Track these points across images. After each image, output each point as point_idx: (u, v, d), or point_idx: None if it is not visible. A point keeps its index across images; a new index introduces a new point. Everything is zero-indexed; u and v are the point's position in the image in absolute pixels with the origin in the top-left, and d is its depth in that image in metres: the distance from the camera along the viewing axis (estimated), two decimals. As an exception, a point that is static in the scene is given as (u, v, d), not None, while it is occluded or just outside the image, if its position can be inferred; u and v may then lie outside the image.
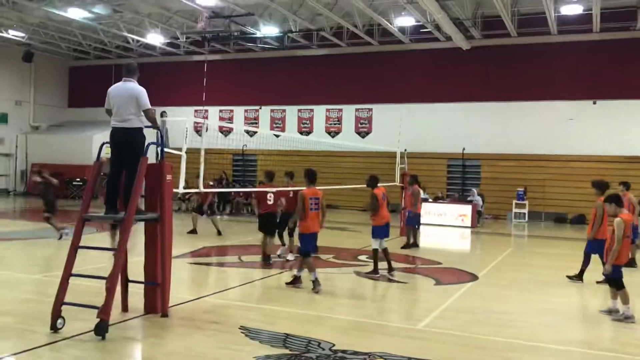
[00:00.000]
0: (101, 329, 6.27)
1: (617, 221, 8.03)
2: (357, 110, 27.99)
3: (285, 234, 12.39)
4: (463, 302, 8.87)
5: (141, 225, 7.91)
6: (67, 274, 6.72)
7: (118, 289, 6.92)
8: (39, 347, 6.07)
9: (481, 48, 25.13)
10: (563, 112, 24.08)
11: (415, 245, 14.92)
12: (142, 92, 7.26)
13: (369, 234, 11.09)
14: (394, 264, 11.04)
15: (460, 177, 26.14)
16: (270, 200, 11.74)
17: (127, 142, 7.22)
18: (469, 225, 20.48)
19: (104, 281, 6.67)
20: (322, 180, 16.05)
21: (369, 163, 23.81)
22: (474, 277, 11.01)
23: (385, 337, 6.95)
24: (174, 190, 7.98)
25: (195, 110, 27.37)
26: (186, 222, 16.55)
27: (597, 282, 10.20)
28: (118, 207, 7.30)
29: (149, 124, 7.39)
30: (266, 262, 11.54)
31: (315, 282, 9.12)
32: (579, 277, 10.59)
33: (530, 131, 24.45)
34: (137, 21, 25.96)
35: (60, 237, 13.44)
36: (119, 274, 6.84)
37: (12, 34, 28.00)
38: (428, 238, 17.97)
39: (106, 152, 7.39)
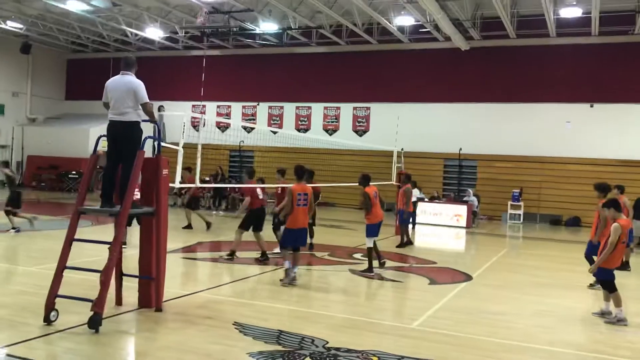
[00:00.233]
0: (95, 322, 6.26)
1: (614, 226, 7.95)
2: (354, 108, 27.98)
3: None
4: (457, 302, 8.88)
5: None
6: (62, 266, 6.72)
7: (112, 282, 6.93)
8: (32, 339, 6.06)
9: (480, 49, 25.12)
10: (560, 114, 24.10)
11: (410, 243, 14.98)
12: (140, 85, 7.23)
13: (364, 232, 11.10)
14: (389, 263, 11.04)
15: (456, 177, 26.15)
16: (260, 196, 11.83)
17: (124, 135, 7.20)
18: (464, 225, 20.51)
19: (98, 274, 6.67)
20: (319, 178, 16.22)
21: (365, 161, 23.77)
22: (468, 277, 11.03)
23: (378, 335, 6.96)
24: (170, 184, 7.97)
25: (193, 106, 27.34)
26: (181, 217, 16.55)
27: (589, 286, 10.18)
28: (114, 200, 7.30)
29: (147, 117, 7.37)
30: (263, 259, 11.53)
31: (288, 272, 9.28)
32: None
33: (527, 133, 24.47)
34: (136, 15, 25.86)
35: (17, 231, 13.49)
36: (113, 268, 6.84)
37: (10, 25, 27.84)
38: (423, 237, 18.02)
39: (103, 146, 7.38)
